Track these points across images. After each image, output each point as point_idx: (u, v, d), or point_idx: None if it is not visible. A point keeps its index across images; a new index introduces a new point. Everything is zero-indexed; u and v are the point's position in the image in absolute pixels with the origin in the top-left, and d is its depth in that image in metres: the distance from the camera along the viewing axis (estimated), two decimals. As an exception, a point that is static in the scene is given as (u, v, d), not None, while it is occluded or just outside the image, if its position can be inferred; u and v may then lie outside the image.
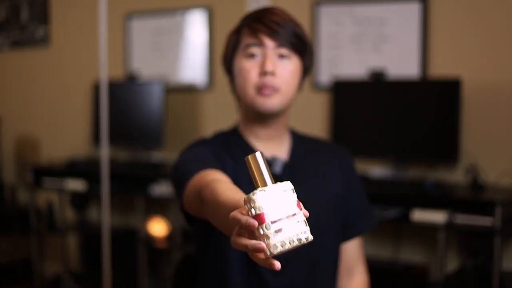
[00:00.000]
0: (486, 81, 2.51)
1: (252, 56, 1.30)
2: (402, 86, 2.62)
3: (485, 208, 2.15)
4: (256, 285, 1.31)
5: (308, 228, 0.72)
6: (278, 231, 0.70)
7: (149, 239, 3.13)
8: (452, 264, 2.53)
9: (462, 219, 2.19)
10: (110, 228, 2.86)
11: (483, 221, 2.14)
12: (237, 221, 0.72)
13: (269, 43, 1.29)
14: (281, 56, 1.30)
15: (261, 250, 0.70)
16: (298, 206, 0.73)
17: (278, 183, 0.73)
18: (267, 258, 0.72)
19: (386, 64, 2.72)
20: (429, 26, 2.64)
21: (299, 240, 0.71)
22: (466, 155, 2.50)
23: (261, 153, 0.74)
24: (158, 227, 3.14)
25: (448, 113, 2.45)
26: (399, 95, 2.60)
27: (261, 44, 1.29)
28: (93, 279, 3.29)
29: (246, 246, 0.72)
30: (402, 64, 2.69)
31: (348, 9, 2.83)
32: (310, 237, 0.72)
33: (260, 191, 0.71)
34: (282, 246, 0.70)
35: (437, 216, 2.21)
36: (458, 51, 2.58)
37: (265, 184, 0.73)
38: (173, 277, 1.70)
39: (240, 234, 0.74)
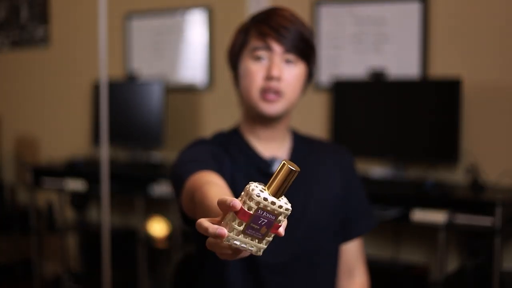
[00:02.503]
0: (486, 81, 2.51)
1: (258, 59, 1.31)
2: (402, 86, 2.62)
3: (485, 208, 2.15)
4: (255, 285, 1.31)
5: (266, 246, 0.73)
6: (246, 234, 0.71)
7: (149, 239, 3.13)
8: (452, 264, 2.53)
9: (462, 219, 2.19)
10: (110, 228, 2.86)
11: (483, 221, 2.14)
12: (223, 202, 0.72)
13: (277, 48, 1.30)
14: (288, 61, 1.31)
15: (221, 236, 0.70)
16: (276, 229, 0.72)
17: (283, 200, 0.72)
18: (223, 247, 0.72)
19: (386, 64, 2.72)
20: (429, 26, 2.64)
21: (250, 251, 0.72)
22: (466, 155, 2.50)
23: (298, 172, 0.71)
24: (158, 227, 3.14)
25: (448, 113, 2.45)
26: (399, 95, 2.60)
27: (268, 48, 1.30)
28: (93, 279, 3.29)
29: (207, 228, 0.71)
30: (402, 64, 2.69)
31: (348, 9, 2.83)
32: (260, 254, 0.73)
33: (265, 195, 0.70)
34: (237, 243, 0.70)
35: (437, 216, 2.21)
36: (458, 51, 2.58)
37: (274, 194, 0.71)
38: (173, 277, 1.70)
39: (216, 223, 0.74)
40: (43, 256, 3.79)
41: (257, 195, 0.69)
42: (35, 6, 3.94)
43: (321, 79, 2.90)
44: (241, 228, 0.70)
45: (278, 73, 1.28)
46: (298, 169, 0.70)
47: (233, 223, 0.70)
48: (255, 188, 0.70)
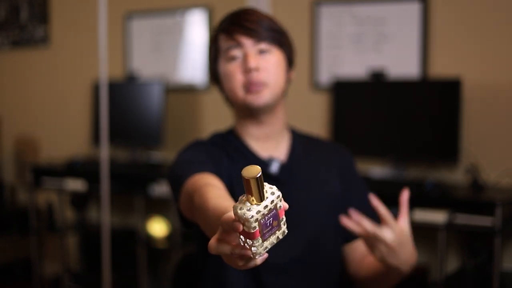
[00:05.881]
0: (486, 81, 2.51)
1: (233, 58, 1.31)
2: (402, 86, 2.62)
3: (485, 208, 2.15)
4: (256, 286, 1.30)
5: (285, 225, 0.73)
6: (267, 239, 0.72)
7: (149, 239, 3.13)
8: (452, 264, 2.53)
9: (462, 219, 2.19)
10: (110, 228, 2.86)
11: (483, 221, 2.14)
12: (227, 222, 0.71)
13: (247, 41, 1.30)
14: (262, 52, 1.31)
15: (247, 256, 0.71)
16: (282, 212, 0.72)
17: (270, 197, 0.70)
18: (246, 264, 0.73)
19: (386, 64, 2.72)
20: (429, 26, 2.64)
21: (277, 238, 0.73)
22: (466, 155, 2.50)
23: (261, 170, 0.71)
24: (158, 227, 3.14)
25: (448, 113, 2.45)
26: (399, 95, 2.60)
27: (239, 45, 1.30)
28: (93, 279, 3.29)
29: (230, 251, 0.72)
30: (402, 64, 2.69)
31: (348, 9, 2.83)
32: (286, 232, 0.73)
33: (255, 210, 0.69)
34: (264, 250, 0.72)
35: (437, 216, 2.21)
36: (458, 51, 2.58)
37: (260, 200, 0.70)
38: (173, 277, 1.70)
39: (222, 240, 0.74)
40: (42, 256, 3.79)
41: (250, 217, 0.68)
42: (35, 6, 3.94)
43: (321, 79, 2.90)
44: (260, 240, 0.71)
45: (255, 63, 1.28)
46: (260, 169, 0.68)
47: (250, 242, 0.71)
48: (244, 210, 0.69)
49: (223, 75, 1.35)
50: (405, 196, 1.23)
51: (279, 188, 1.33)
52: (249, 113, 1.35)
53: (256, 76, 1.29)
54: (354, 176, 1.44)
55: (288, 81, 1.39)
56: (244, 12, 1.33)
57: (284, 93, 1.37)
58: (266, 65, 1.30)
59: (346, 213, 1.39)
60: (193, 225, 1.29)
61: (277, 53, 1.33)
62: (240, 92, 1.31)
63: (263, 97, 1.31)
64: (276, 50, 1.33)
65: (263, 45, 1.30)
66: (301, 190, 1.36)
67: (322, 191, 1.37)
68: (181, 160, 1.32)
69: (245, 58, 1.29)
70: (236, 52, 1.30)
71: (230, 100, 1.37)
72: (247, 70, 1.29)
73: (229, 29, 1.31)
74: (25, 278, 3.76)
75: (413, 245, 1.22)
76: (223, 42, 1.32)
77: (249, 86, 1.30)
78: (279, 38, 1.33)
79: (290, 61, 1.38)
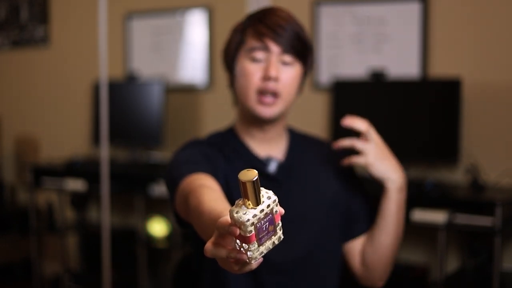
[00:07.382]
0: (486, 81, 2.51)
1: (256, 60, 1.30)
2: (402, 86, 2.62)
3: (485, 208, 2.15)
4: (256, 286, 1.30)
5: (281, 231, 0.73)
6: (260, 244, 0.72)
7: (149, 239, 3.13)
8: (452, 264, 2.53)
9: (462, 219, 2.19)
10: (110, 228, 2.86)
11: (483, 221, 2.14)
12: (222, 226, 0.71)
13: (274, 48, 1.29)
14: (284, 63, 1.30)
15: (243, 261, 0.71)
16: (278, 217, 0.73)
17: (266, 201, 0.71)
18: (241, 268, 0.73)
19: (386, 64, 2.72)
20: (429, 26, 2.64)
21: (273, 244, 0.73)
22: (466, 155, 2.50)
23: (258, 174, 0.70)
24: (158, 227, 3.14)
25: (448, 113, 2.45)
26: (399, 95, 2.60)
27: (266, 49, 1.29)
28: (93, 279, 3.29)
29: (226, 255, 0.72)
30: (402, 64, 2.69)
31: (348, 9, 2.83)
32: (281, 237, 0.74)
33: (252, 214, 0.69)
34: (260, 255, 0.72)
35: (437, 216, 2.21)
36: (458, 51, 2.58)
37: (256, 204, 0.70)
38: (173, 277, 1.70)
39: (218, 244, 0.74)
40: (43, 256, 3.79)
41: (246, 220, 0.68)
42: (35, 6, 3.94)
43: (321, 79, 2.90)
44: (256, 244, 0.71)
45: (276, 73, 1.28)
46: (256, 173, 0.68)
47: (246, 247, 0.71)
48: (240, 213, 0.69)
49: (239, 71, 1.32)
50: (347, 122, 1.37)
51: (278, 188, 1.34)
52: (253, 118, 1.34)
53: (272, 86, 1.28)
54: (351, 176, 1.44)
55: (299, 94, 1.39)
56: (278, 14, 1.31)
57: (292, 106, 1.37)
58: (285, 77, 1.30)
59: (346, 211, 1.39)
60: (188, 225, 1.29)
61: (298, 67, 1.33)
62: (252, 96, 1.30)
63: (273, 111, 1.31)
64: (298, 64, 1.32)
65: (288, 57, 1.30)
66: (300, 189, 1.36)
67: (321, 191, 1.37)
68: (177, 160, 1.31)
69: (267, 64, 1.28)
70: (261, 55, 1.29)
71: (238, 98, 1.36)
72: (266, 77, 1.28)
73: (259, 29, 1.29)
74: (25, 278, 3.76)
75: (396, 161, 1.38)
76: (250, 39, 1.31)
77: (262, 96, 1.29)
78: (305, 52, 1.33)
79: (306, 75, 1.38)
